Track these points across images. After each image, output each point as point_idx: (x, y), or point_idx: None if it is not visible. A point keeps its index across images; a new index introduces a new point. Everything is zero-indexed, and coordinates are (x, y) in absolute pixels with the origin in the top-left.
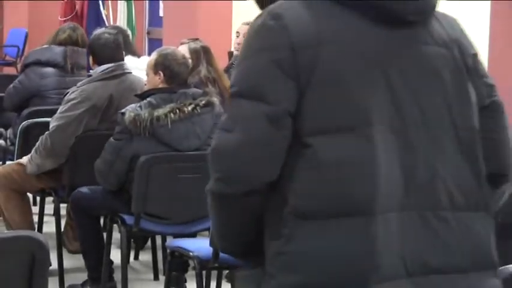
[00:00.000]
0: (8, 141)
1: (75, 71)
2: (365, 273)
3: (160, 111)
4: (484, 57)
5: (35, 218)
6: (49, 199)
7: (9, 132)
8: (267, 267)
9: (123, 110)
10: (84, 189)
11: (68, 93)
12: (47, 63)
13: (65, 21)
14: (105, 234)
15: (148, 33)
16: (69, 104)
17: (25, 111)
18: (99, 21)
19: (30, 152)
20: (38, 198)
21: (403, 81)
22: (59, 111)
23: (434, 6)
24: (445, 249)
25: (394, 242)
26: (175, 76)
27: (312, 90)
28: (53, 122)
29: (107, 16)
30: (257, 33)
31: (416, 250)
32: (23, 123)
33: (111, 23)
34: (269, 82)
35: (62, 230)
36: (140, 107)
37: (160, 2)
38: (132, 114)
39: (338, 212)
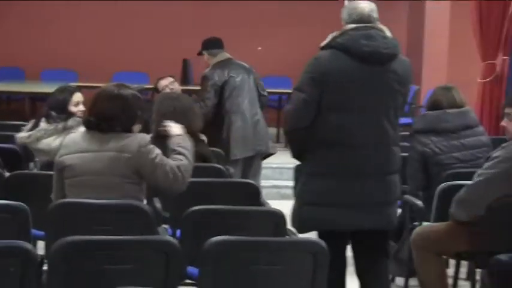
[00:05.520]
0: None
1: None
2: (353, 170)
3: None
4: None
5: (450, 281)
6: (464, 262)
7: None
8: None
9: None
10: (503, 257)
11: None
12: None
13: (484, 83)
14: None
15: None
16: (493, 161)
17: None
18: None
19: (447, 213)
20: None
21: (374, 87)
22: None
23: (394, 55)
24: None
25: (370, 157)
26: None
27: (328, 89)
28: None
29: None
30: (307, 64)
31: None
32: (443, 185)
33: None
34: (306, 86)
35: None
36: None
37: None
38: None
39: (335, 142)
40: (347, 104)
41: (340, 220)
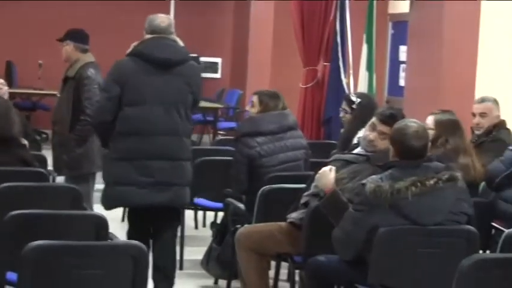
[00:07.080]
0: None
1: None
2: (147, 155)
3: (401, 184)
4: None
5: (270, 282)
6: (285, 264)
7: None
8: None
9: (363, 181)
10: (321, 258)
11: None
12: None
13: (306, 88)
14: None
15: (387, 102)
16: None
17: (267, 177)
18: (339, 89)
19: (269, 216)
20: (274, 263)
21: (163, 86)
22: None
23: (183, 61)
24: None
25: (162, 145)
26: (407, 151)
27: (125, 88)
28: None
29: (347, 84)
30: (110, 68)
31: None
32: (264, 187)
33: (351, 91)
34: (109, 86)
35: None
36: (381, 178)
37: (401, 72)
38: (373, 185)
39: (131, 133)
40: (141, 100)
41: (135, 198)
